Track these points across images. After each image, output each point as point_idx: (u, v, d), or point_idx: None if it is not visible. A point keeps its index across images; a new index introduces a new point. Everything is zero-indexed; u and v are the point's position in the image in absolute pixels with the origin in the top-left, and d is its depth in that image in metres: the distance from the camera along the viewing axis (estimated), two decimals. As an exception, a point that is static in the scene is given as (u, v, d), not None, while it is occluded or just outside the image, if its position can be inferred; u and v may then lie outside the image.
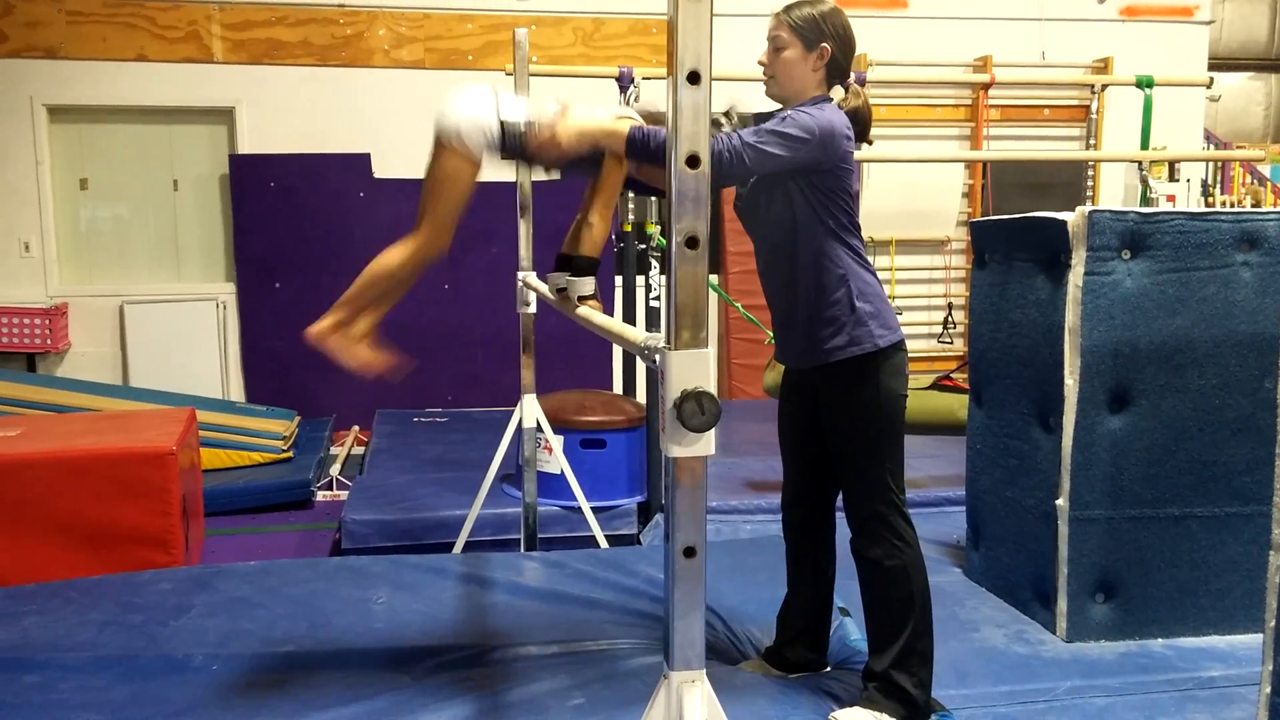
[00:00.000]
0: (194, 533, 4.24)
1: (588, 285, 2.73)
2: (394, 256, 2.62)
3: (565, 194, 7.15)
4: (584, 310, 2.57)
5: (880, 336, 2.44)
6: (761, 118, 2.53)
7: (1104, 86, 6.77)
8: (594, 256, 2.80)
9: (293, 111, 6.96)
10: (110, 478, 3.77)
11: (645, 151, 2.33)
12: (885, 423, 2.48)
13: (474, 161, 2.55)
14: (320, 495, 5.45)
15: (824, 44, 2.44)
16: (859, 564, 2.55)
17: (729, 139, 2.29)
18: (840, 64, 2.48)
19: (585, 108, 2.46)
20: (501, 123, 2.53)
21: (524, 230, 3.77)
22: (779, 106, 2.54)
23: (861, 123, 2.54)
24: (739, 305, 5.67)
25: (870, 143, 2.74)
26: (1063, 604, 3.10)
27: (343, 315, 2.67)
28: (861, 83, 2.69)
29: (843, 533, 2.62)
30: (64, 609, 3.19)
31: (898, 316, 2.53)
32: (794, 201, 2.43)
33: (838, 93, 2.53)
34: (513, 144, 2.54)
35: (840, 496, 2.64)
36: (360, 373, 2.75)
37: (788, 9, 2.48)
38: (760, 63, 2.52)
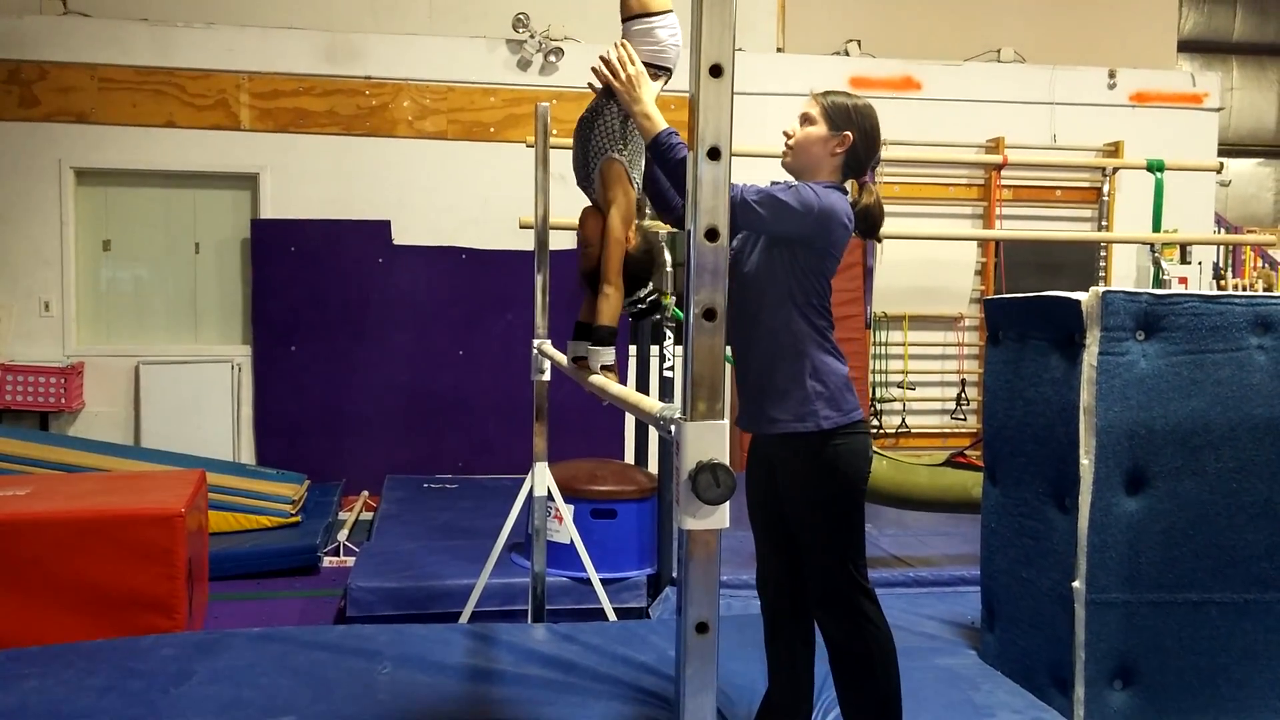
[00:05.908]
0: (198, 597, 4.20)
1: (609, 355, 2.73)
2: None
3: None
4: (598, 379, 2.56)
5: (825, 418, 2.41)
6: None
7: (1115, 170, 6.83)
8: (613, 325, 2.80)
9: (316, 178, 7.07)
10: (116, 539, 3.75)
11: (663, 155, 2.32)
12: (839, 505, 2.45)
13: None
14: (327, 561, 5.40)
15: (848, 131, 2.48)
16: (827, 645, 2.53)
17: (732, 191, 2.30)
18: (859, 156, 2.51)
19: (654, 102, 2.41)
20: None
21: (540, 297, 3.79)
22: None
23: (872, 220, 2.55)
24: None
25: (880, 240, 2.75)
26: (1080, 690, 3.03)
27: None
28: (876, 164, 2.71)
29: None
30: (65, 673, 3.16)
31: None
32: (774, 268, 2.44)
33: (851, 187, 2.55)
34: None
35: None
36: None
37: (825, 93, 2.54)
38: (784, 132, 2.55)
